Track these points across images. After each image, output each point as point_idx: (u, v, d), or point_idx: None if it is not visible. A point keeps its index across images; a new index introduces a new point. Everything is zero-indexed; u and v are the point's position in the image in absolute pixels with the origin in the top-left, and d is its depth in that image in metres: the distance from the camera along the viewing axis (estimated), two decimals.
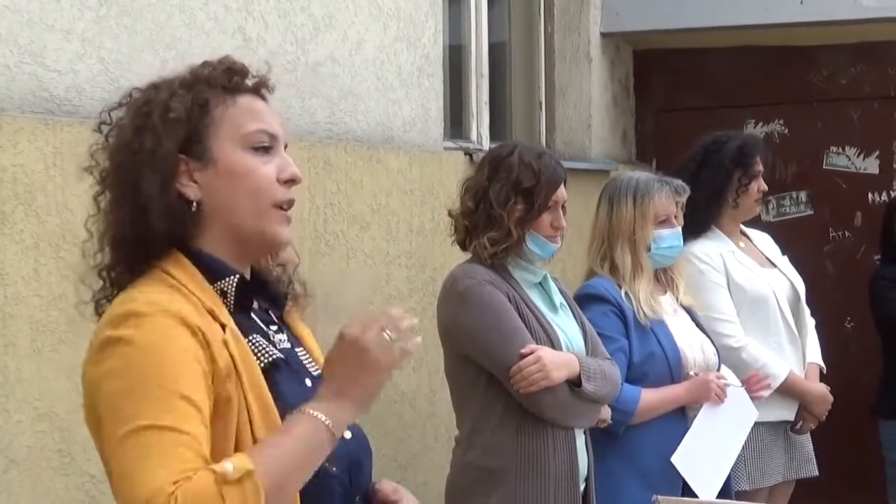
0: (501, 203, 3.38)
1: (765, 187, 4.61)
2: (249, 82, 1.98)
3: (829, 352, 4.71)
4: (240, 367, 1.84)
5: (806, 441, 4.60)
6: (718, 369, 3.97)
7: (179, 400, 1.76)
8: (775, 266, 4.63)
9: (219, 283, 1.93)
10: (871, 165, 6.61)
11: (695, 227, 4.33)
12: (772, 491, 4.50)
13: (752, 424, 4.02)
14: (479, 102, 5.49)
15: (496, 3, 5.89)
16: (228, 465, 1.71)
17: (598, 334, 3.65)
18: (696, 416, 3.84)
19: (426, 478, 4.55)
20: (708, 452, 3.81)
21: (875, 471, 5.37)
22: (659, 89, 6.97)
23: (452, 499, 3.49)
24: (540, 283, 3.55)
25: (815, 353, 4.62)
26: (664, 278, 4.02)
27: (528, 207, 3.40)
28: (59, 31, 3.08)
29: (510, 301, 3.38)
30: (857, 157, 6.63)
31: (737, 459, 4.20)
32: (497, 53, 5.91)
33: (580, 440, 3.47)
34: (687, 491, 3.75)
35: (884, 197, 6.46)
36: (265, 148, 1.95)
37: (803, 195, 6.72)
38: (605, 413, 3.61)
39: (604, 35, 6.55)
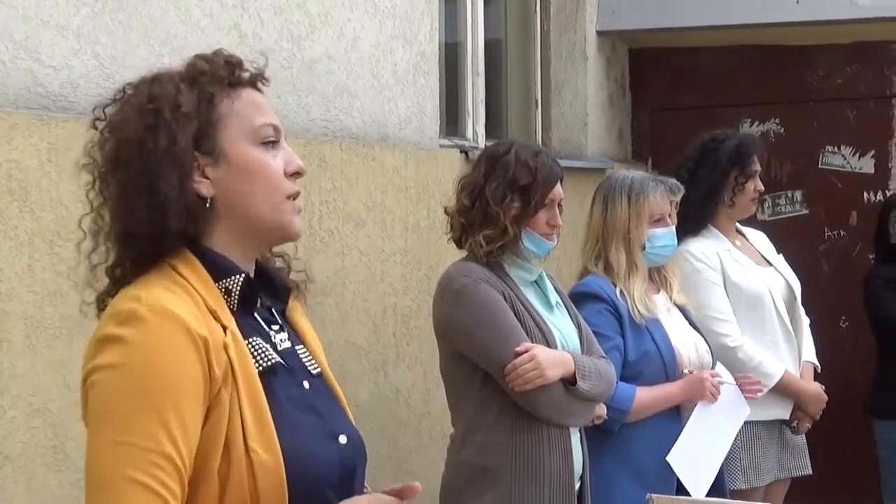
0: (498, 201, 3.38)
1: (761, 187, 4.61)
2: (246, 75, 1.98)
3: (823, 351, 4.72)
4: (237, 371, 1.84)
5: (800, 440, 4.60)
6: (713, 367, 3.97)
7: (170, 419, 1.75)
8: (771, 265, 4.64)
9: (223, 281, 1.91)
10: (867, 165, 6.62)
11: (691, 225, 4.34)
12: (767, 489, 4.50)
13: (743, 421, 4.03)
14: (474, 100, 5.49)
15: (492, 1, 5.89)
16: None
17: (594, 332, 3.65)
18: (690, 415, 3.84)
19: (420, 476, 4.52)
20: (702, 450, 3.82)
21: (869, 469, 5.38)
22: (655, 88, 6.98)
23: (447, 497, 3.49)
24: (535, 282, 3.55)
25: (810, 352, 4.63)
26: (658, 277, 4.03)
27: (524, 205, 3.40)
28: (54, 27, 3.07)
29: (505, 299, 3.38)
30: (853, 156, 6.64)
31: (732, 458, 4.21)
32: (493, 51, 5.91)
33: (575, 438, 3.47)
34: (681, 489, 3.75)
35: (879, 196, 6.47)
36: (272, 142, 1.96)
37: (799, 194, 6.73)
38: (601, 409, 3.61)
39: (600, 33, 6.55)
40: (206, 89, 1.92)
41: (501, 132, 5.89)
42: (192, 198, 1.89)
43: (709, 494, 3.78)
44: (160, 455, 1.74)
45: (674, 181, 3.98)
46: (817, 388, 4.53)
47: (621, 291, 3.84)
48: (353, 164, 4.26)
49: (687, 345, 3.91)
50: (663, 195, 3.91)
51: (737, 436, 4.04)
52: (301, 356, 2.02)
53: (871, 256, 5.83)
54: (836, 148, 6.66)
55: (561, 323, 3.52)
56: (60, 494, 3.01)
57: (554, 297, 3.57)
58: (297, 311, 2.10)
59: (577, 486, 3.47)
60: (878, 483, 5.33)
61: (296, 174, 1.97)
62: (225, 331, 1.86)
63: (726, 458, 3.99)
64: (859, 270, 5.69)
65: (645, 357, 3.79)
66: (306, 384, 1.98)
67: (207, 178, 1.91)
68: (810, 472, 4.60)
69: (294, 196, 1.96)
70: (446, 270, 3.50)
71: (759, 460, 4.45)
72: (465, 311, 3.37)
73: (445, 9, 5.26)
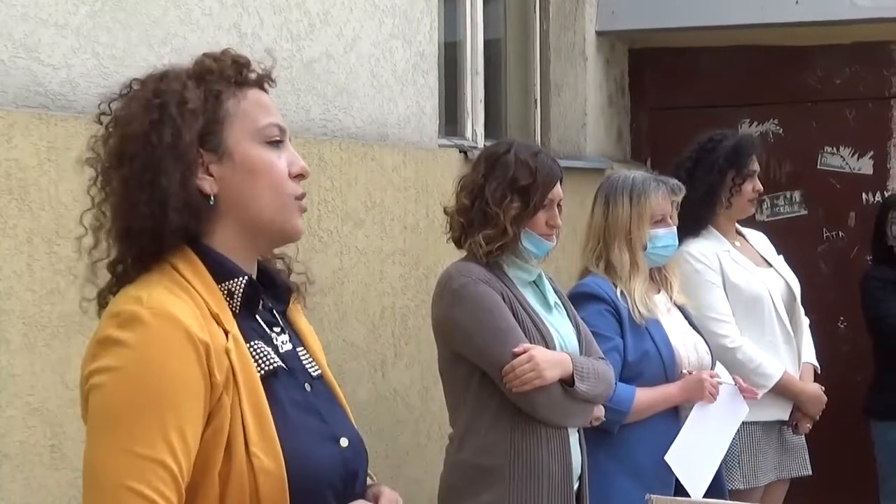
0: (497, 201, 3.38)
1: (760, 187, 4.61)
2: (253, 75, 1.97)
3: (822, 352, 4.72)
4: (238, 376, 1.83)
5: (800, 440, 4.60)
6: (712, 368, 3.97)
7: (169, 426, 1.75)
8: (771, 266, 4.64)
9: (226, 283, 1.91)
10: (866, 166, 6.62)
11: (690, 225, 4.33)
12: (766, 490, 4.51)
13: (741, 420, 4.03)
14: (473, 100, 5.49)
15: (492, 1, 5.89)
16: None
17: (593, 333, 3.65)
18: (688, 415, 3.84)
19: (419, 475, 4.55)
20: (700, 450, 3.82)
21: (867, 470, 5.38)
22: (654, 88, 6.97)
23: (446, 497, 3.49)
24: (534, 282, 3.55)
25: (809, 353, 4.63)
26: (658, 277, 4.03)
27: (524, 205, 3.39)
28: (53, 26, 3.07)
29: (504, 300, 3.38)
30: (852, 157, 6.64)
31: (731, 458, 4.22)
32: (492, 51, 5.91)
33: (574, 439, 3.47)
34: (680, 490, 3.75)
35: (878, 197, 6.47)
36: (277, 142, 1.95)
37: (797, 195, 6.73)
38: (599, 410, 3.61)
39: (599, 33, 6.55)
40: (212, 87, 1.92)
41: (500, 132, 5.89)
42: (195, 194, 1.88)
43: (708, 494, 3.78)
44: (157, 463, 1.74)
45: (675, 181, 3.98)
46: (817, 389, 4.53)
47: (622, 292, 3.84)
48: (352, 164, 4.26)
49: (686, 345, 3.91)
50: (665, 195, 3.91)
51: (736, 436, 4.05)
52: (302, 358, 2.02)
53: (868, 258, 5.83)
54: (834, 149, 6.66)
55: (559, 324, 3.52)
56: (58, 493, 3.01)
57: (552, 297, 3.57)
58: (298, 313, 2.10)
59: (576, 486, 3.46)
60: (876, 484, 5.33)
61: (299, 175, 1.97)
62: (227, 335, 1.85)
63: (725, 458, 3.99)
64: (858, 271, 5.70)
65: (644, 358, 3.79)
66: (308, 387, 1.97)
67: (211, 175, 1.90)
68: (810, 472, 4.60)
69: (300, 197, 1.96)
70: (445, 270, 3.50)
71: (758, 461, 4.45)
72: (463, 311, 3.37)
73: (445, 8, 5.26)
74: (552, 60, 6.43)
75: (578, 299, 3.80)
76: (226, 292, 1.90)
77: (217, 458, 1.80)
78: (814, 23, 6.32)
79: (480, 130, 5.47)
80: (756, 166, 4.60)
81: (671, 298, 4.00)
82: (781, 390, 4.43)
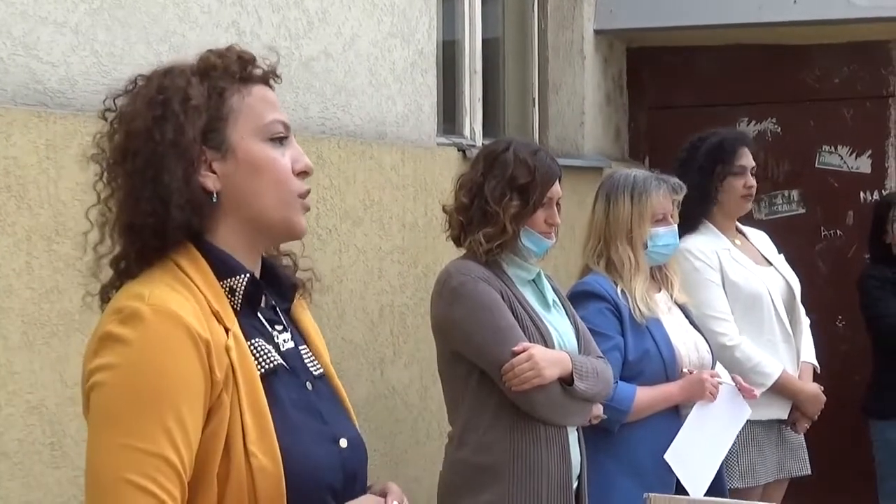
0: (497, 199, 3.38)
1: (751, 183, 4.58)
2: (258, 72, 1.97)
3: (820, 351, 4.71)
4: (238, 374, 1.83)
5: (799, 440, 4.60)
6: (713, 367, 3.97)
7: (171, 422, 1.75)
8: (771, 264, 4.63)
9: (228, 280, 1.90)
10: (864, 165, 6.62)
11: (683, 223, 4.33)
12: (765, 489, 4.50)
13: (744, 422, 4.02)
14: (472, 98, 5.49)
15: (490, 0, 5.89)
16: None
17: (594, 332, 3.65)
18: (689, 414, 3.84)
19: (418, 474, 4.55)
20: (700, 450, 3.82)
21: (866, 470, 5.38)
22: (652, 87, 6.98)
23: (445, 496, 3.49)
24: (533, 281, 3.55)
25: (809, 352, 4.62)
26: (659, 276, 4.02)
27: (523, 204, 3.39)
28: (52, 24, 3.07)
29: (503, 298, 3.38)
30: (850, 156, 6.64)
31: (730, 457, 4.21)
32: (491, 49, 5.91)
33: (573, 438, 3.47)
34: (681, 490, 3.75)
35: (875, 196, 6.47)
36: (281, 139, 1.95)
37: (795, 194, 6.73)
38: (597, 409, 3.61)
39: (597, 32, 6.55)
40: (216, 83, 1.91)
41: (499, 131, 5.89)
42: (197, 191, 1.87)
43: (708, 494, 3.78)
44: (160, 458, 1.74)
45: (676, 180, 3.98)
46: (815, 389, 4.53)
47: (622, 290, 3.84)
48: (351, 162, 4.26)
49: (687, 344, 3.91)
50: (666, 194, 3.91)
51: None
52: (304, 357, 2.01)
53: (866, 256, 5.83)
54: (832, 147, 6.67)
55: (558, 322, 3.52)
56: (58, 492, 3.00)
57: (551, 296, 3.57)
58: (303, 310, 2.09)
59: (575, 485, 3.46)
60: (875, 484, 5.33)
61: (303, 173, 1.96)
62: (227, 332, 1.84)
63: (724, 457, 3.99)
64: (856, 270, 5.70)
65: (645, 357, 3.79)
66: (309, 385, 1.97)
67: (214, 172, 1.90)
68: (809, 472, 4.60)
69: (303, 195, 1.95)
70: (444, 268, 3.50)
71: (757, 460, 4.45)
72: (462, 309, 3.37)
73: (443, 7, 5.26)
74: (550, 59, 6.43)
75: (579, 297, 3.80)
76: (227, 289, 1.90)
77: (216, 455, 1.79)
78: (812, 22, 6.32)
79: (479, 129, 5.47)
80: (746, 162, 4.58)
81: (672, 297, 4.00)
82: (780, 389, 4.43)
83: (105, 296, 1.94)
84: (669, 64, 6.87)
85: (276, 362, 1.90)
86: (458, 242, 3.51)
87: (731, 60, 6.72)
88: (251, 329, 1.91)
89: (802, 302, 4.66)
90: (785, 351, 4.52)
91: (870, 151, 6.62)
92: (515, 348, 3.31)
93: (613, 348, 3.73)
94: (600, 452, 3.67)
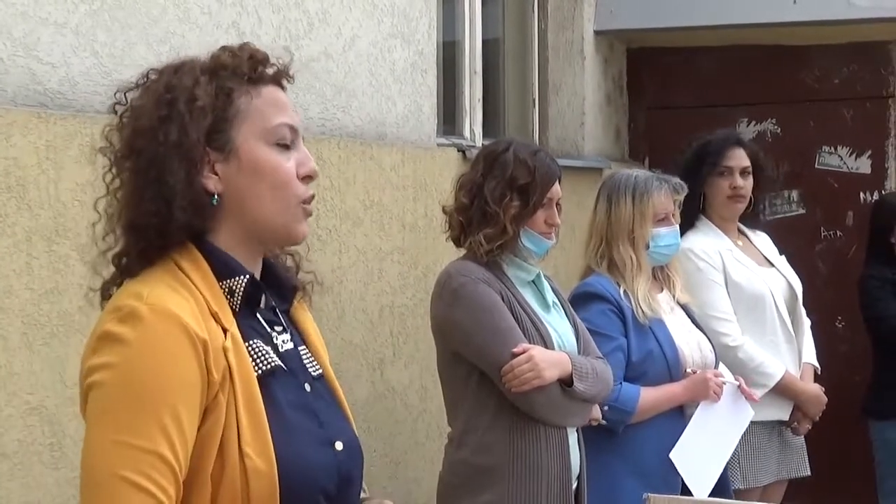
0: (497, 200, 3.38)
1: (737, 184, 4.56)
2: (270, 71, 1.95)
3: (820, 351, 4.72)
4: (235, 375, 1.82)
5: (799, 441, 4.60)
6: (716, 367, 3.97)
7: (167, 421, 1.75)
8: (773, 265, 4.63)
9: (227, 281, 1.90)
10: (864, 165, 6.62)
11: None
12: (765, 490, 4.51)
13: (748, 422, 4.02)
14: (472, 99, 5.49)
15: (490, 0, 5.89)
16: None
17: (597, 333, 3.65)
18: (693, 414, 3.84)
19: (417, 475, 4.55)
20: (705, 449, 3.81)
21: (866, 470, 5.38)
22: (652, 87, 6.97)
23: (444, 496, 3.49)
24: (533, 282, 3.55)
25: (810, 354, 4.63)
26: (661, 276, 4.02)
27: (523, 204, 3.40)
28: (52, 25, 3.07)
29: (503, 299, 3.38)
30: (850, 156, 6.64)
31: (731, 458, 4.20)
32: (491, 50, 5.91)
33: (573, 438, 3.47)
34: (686, 491, 3.74)
35: (875, 196, 6.47)
36: (287, 143, 1.93)
37: (795, 194, 6.72)
38: (596, 412, 3.61)
39: (597, 32, 6.55)
40: (225, 83, 1.89)
41: (499, 131, 5.89)
42: (200, 192, 1.87)
43: (713, 494, 3.77)
44: (156, 456, 1.74)
45: (677, 180, 3.98)
46: (817, 390, 4.54)
47: (625, 291, 3.84)
48: (351, 163, 4.26)
49: (690, 344, 3.91)
50: (667, 194, 3.91)
51: None
52: (303, 358, 2.01)
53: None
54: (832, 148, 6.66)
55: (558, 323, 3.52)
56: (57, 492, 3.00)
57: (551, 297, 3.57)
58: (304, 311, 2.09)
59: (575, 485, 3.47)
60: (875, 484, 5.33)
61: (308, 177, 1.94)
62: (225, 333, 1.84)
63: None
64: (855, 271, 5.69)
65: (648, 357, 3.79)
66: (307, 387, 1.96)
67: (217, 174, 1.89)
68: (809, 473, 4.60)
69: (307, 200, 1.94)
70: (444, 269, 3.50)
71: (758, 461, 4.46)
72: (462, 310, 3.37)
73: (443, 8, 5.26)
74: (550, 60, 6.43)
75: (582, 299, 3.80)
76: (227, 290, 1.90)
77: (211, 455, 1.79)
78: (811, 22, 6.32)
79: (479, 129, 5.47)
80: (733, 162, 4.57)
81: (674, 297, 4.00)
82: (782, 390, 4.43)
83: (106, 292, 1.94)
84: (669, 64, 6.87)
85: (273, 364, 1.90)
86: (458, 243, 3.51)
87: (731, 61, 6.71)
88: (250, 330, 1.91)
89: (802, 303, 4.66)
90: (787, 352, 4.52)
91: (870, 152, 6.61)
92: (515, 349, 3.31)
93: (617, 349, 3.73)
94: (606, 453, 3.67)
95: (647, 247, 3.88)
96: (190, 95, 1.87)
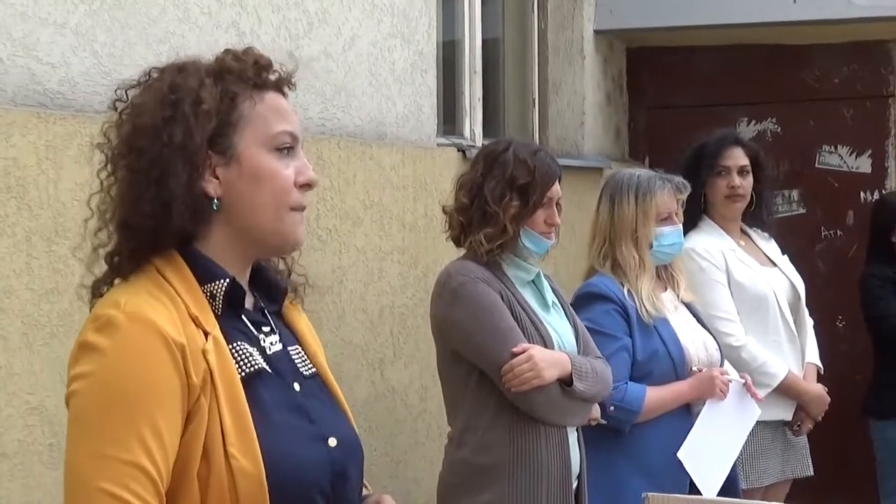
0: (496, 199, 3.38)
1: (734, 183, 4.56)
2: (273, 78, 1.95)
3: (821, 350, 4.72)
4: (217, 377, 1.82)
5: (802, 441, 4.60)
6: (721, 365, 3.97)
7: (145, 429, 1.74)
8: (776, 265, 4.63)
9: (209, 285, 1.89)
10: (864, 164, 6.62)
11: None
12: (767, 490, 4.50)
13: (755, 420, 4.01)
14: (472, 99, 5.49)
15: (490, 0, 5.89)
16: None
17: (602, 333, 3.65)
18: (700, 413, 3.84)
19: (417, 474, 4.55)
20: (712, 448, 3.81)
21: (867, 469, 5.38)
22: (652, 87, 6.97)
23: (444, 495, 3.49)
24: (532, 282, 3.55)
25: (813, 354, 4.63)
26: (665, 275, 4.02)
27: (523, 204, 3.40)
28: (52, 25, 3.07)
29: (503, 299, 3.38)
30: (850, 156, 6.64)
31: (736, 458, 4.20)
32: (490, 50, 5.91)
33: (573, 437, 3.47)
34: (694, 489, 3.74)
35: (876, 196, 6.47)
36: (287, 149, 1.93)
37: (795, 194, 6.73)
38: (595, 412, 3.61)
39: (597, 32, 6.55)
40: (229, 88, 1.89)
41: (498, 131, 5.89)
42: (199, 196, 1.87)
43: (721, 494, 3.77)
44: (134, 466, 1.73)
45: (680, 179, 3.97)
46: (820, 390, 4.54)
47: (629, 291, 3.83)
48: (351, 163, 4.26)
49: (695, 343, 3.91)
50: (670, 193, 3.91)
51: None
52: (294, 358, 2.00)
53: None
54: (832, 147, 6.66)
55: (557, 323, 3.52)
56: (56, 492, 2.99)
57: (551, 297, 3.57)
58: (296, 312, 2.08)
59: (575, 485, 3.47)
60: (876, 483, 5.33)
61: (306, 185, 1.94)
62: (206, 336, 1.83)
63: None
64: (856, 270, 5.69)
65: (654, 356, 3.78)
66: (297, 386, 1.96)
67: (217, 178, 1.89)
68: (812, 473, 4.60)
69: (298, 208, 1.93)
70: (444, 269, 3.50)
71: (762, 461, 4.45)
72: (462, 310, 3.37)
73: (443, 7, 5.26)
74: (550, 59, 6.43)
75: (586, 299, 3.80)
76: (208, 294, 1.89)
77: (196, 459, 1.79)
78: (812, 21, 6.32)
79: (479, 129, 5.47)
80: (731, 162, 4.57)
81: (678, 296, 4.00)
82: (785, 390, 4.43)
83: (96, 291, 1.94)
84: (669, 64, 6.87)
85: (257, 366, 1.89)
86: (458, 243, 3.51)
87: (731, 60, 6.71)
88: (234, 332, 1.90)
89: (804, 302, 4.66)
90: (790, 352, 4.52)
91: (870, 151, 6.61)
92: (515, 349, 3.31)
93: (621, 349, 3.72)
94: (612, 453, 3.67)
95: (651, 246, 3.88)
96: (196, 97, 1.86)
